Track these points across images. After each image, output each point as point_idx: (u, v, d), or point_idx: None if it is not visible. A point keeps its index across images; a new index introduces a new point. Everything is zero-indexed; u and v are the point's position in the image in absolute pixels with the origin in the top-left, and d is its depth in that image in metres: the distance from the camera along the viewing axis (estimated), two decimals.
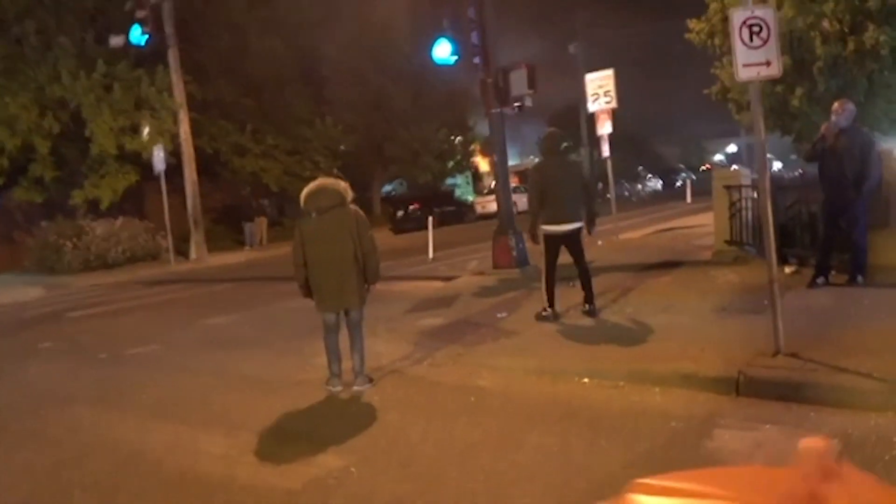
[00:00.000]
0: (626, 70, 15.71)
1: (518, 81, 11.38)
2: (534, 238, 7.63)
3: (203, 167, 23.32)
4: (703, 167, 62.28)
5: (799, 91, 11.05)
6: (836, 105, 7.48)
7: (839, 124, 7.32)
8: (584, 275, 7.61)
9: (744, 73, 5.19)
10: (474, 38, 11.28)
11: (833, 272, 7.62)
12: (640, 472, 3.69)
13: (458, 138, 36.97)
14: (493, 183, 38.88)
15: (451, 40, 11.15)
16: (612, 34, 45.05)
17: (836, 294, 7.20)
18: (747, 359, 5.21)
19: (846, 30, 10.99)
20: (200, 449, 4.83)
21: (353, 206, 5.99)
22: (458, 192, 38.16)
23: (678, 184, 42.49)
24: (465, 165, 39.40)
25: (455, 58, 11.26)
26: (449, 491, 3.80)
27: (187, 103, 22.35)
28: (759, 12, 5.15)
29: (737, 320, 6.59)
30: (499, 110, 11.67)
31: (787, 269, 8.64)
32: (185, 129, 22.13)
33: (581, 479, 3.73)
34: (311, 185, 5.92)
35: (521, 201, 35.85)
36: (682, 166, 50.87)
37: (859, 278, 7.36)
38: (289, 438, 4.97)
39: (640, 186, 40.92)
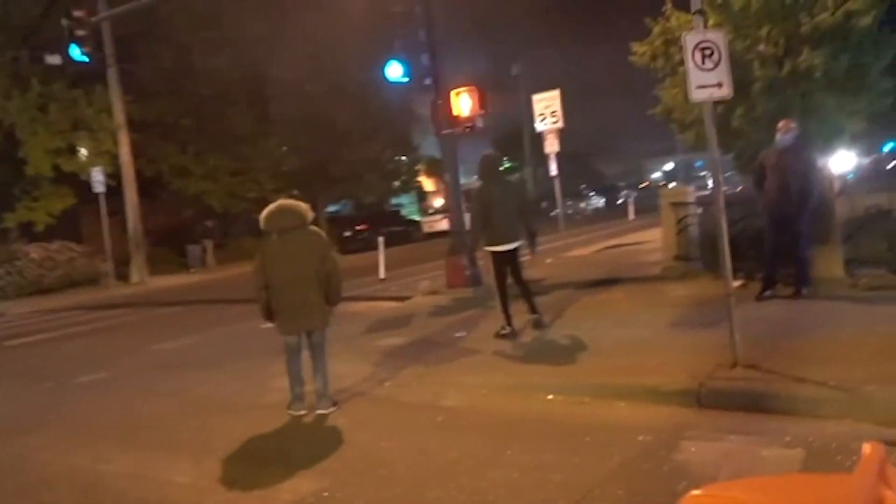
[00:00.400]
0: (569, 91, 16.05)
1: (469, 103, 11.52)
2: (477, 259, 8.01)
3: (144, 189, 22.78)
4: (642, 185, 63.95)
5: (739, 111, 11.47)
6: (781, 124, 7.82)
7: (784, 143, 7.65)
8: (524, 289, 7.90)
9: (697, 95, 5.39)
10: (425, 59, 11.38)
11: (779, 285, 7.91)
12: (617, 488, 3.80)
13: (403, 158, 37.05)
14: (440, 203, 39.30)
15: (403, 62, 11.22)
16: (555, 56, 46.11)
17: (784, 306, 7.47)
18: (707, 371, 5.36)
19: (781, 53, 11.49)
20: (165, 478, 4.69)
21: (314, 227, 5.95)
22: (403, 212, 38.19)
23: (620, 201, 43.42)
24: (411, 185, 39.49)
25: (406, 78, 11.33)
26: None
27: (128, 124, 21.84)
28: (710, 36, 5.36)
29: (692, 333, 6.77)
30: (450, 131, 11.78)
31: (736, 283, 8.92)
32: (125, 151, 21.61)
33: (562, 495, 3.76)
34: (272, 206, 5.87)
35: (467, 221, 36.05)
36: (622, 184, 52.02)
37: (804, 290, 7.66)
38: (257, 463, 4.87)
39: (583, 204, 41.63)
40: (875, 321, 6.16)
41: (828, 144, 12.50)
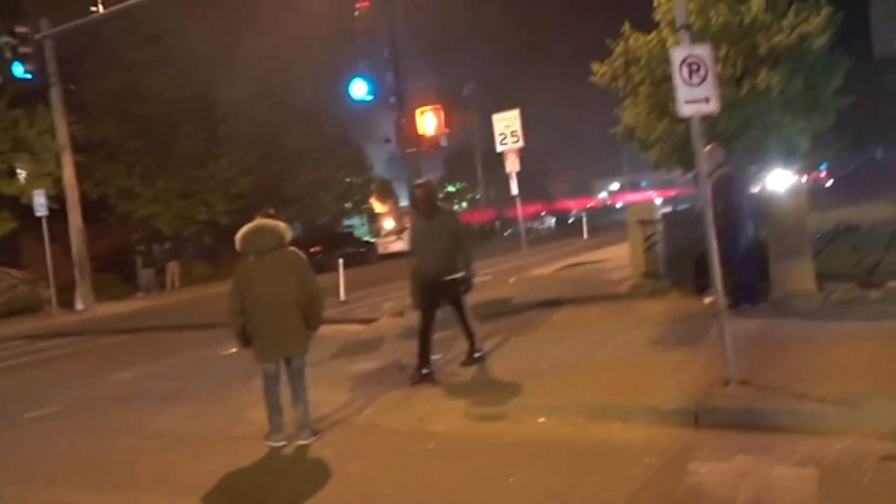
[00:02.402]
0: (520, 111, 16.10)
1: (433, 122, 11.41)
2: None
3: (89, 212, 21.94)
4: (590, 204, 64.98)
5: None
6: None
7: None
8: (464, 323, 7.31)
9: (686, 110, 5.35)
10: (389, 77, 11.23)
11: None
12: None
13: (355, 179, 36.78)
14: (391, 224, 39.08)
15: (367, 79, 11.05)
16: (503, 77, 46.62)
17: (759, 322, 7.47)
18: (702, 389, 5.26)
19: (739, 74, 11.75)
20: None
21: (292, 248, 5.69)
22: (356, 234, 37.85)
23: (571, 220, 43.93)
24: (364, 207, 39.23)
25: (371, 97, 11.16)
26: None
27: (72, 145, 21.04)
28: (697, 51, 5.33)
29: (675, 351, 6.69)
30: (414, 150, 11.63)
31: (706, 300, 8.95)
32: (69, 173, 20.77)
33: None
34: (249, 226, 5.58)
35: None
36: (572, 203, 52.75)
37: (742, 306, 7.58)
38: (241, 501, 4.55)
39: (536, 224, 41.95)
40: (856, 336, 6.19)
41: (786, 161, 12.81)
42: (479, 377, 6.80)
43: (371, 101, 11.40)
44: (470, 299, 7.27)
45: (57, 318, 19.10)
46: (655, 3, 12.52)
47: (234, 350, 7.95)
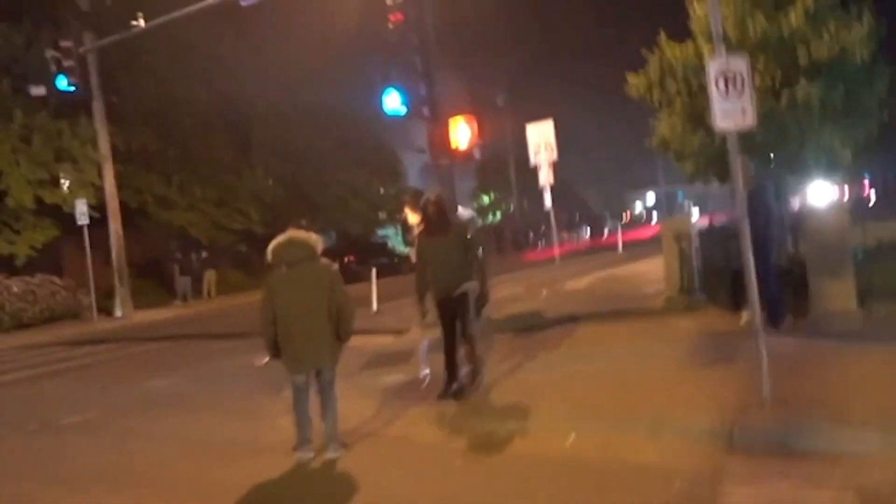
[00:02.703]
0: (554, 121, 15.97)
1: (467, 132, 11.39)
2: (421, 312, 7.05)
3: (128, 220, 22.37)
4: (625, 220, 63.96)
5: None
6: None
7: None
8: (468, 343, 6.86)
9: (722, 123, 5.24)
10: (422, 89, 11.26)
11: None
12: None
13: (389, 188, 36.94)
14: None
15: (401, 91, 11.09)
16: (539, 88, 46.52)
17: (795, 341, 7.28)
18: (737, 409, 5.13)
19: (778, 84, 11.53)
20: None
21: (324, 259, 5.70)
22: (390, 244, 37.95)
23: (606, 231, 43.53)
24: (397, 217, 39.34)
25: (405, 109, 11.19)
26: None
27: (112, 155, 21.49)
28: (734, 63, 5.23)
29: (710, 369, 6.56)
30: (447, 162, 11.62)
31: (743, 317, 8.76)
32: (109, 182, 21.21)
33: None
34: (281, 238, 5.61)
35: None
36: (607, 214, 52.29)
37: (774, 324, 7.41)
38: None
39: (568, 234, 41.61)
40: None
41: (826, 173, 12.53)
42: (508, 391, 6.72)
43: (404, 113, 11.42)
44: (484, 322, 7.06)
45: (96, 324, 19.46)
46: (691, 13, 12.37)
47: (265, 361, 8.01)
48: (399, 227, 43.63)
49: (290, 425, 5.66)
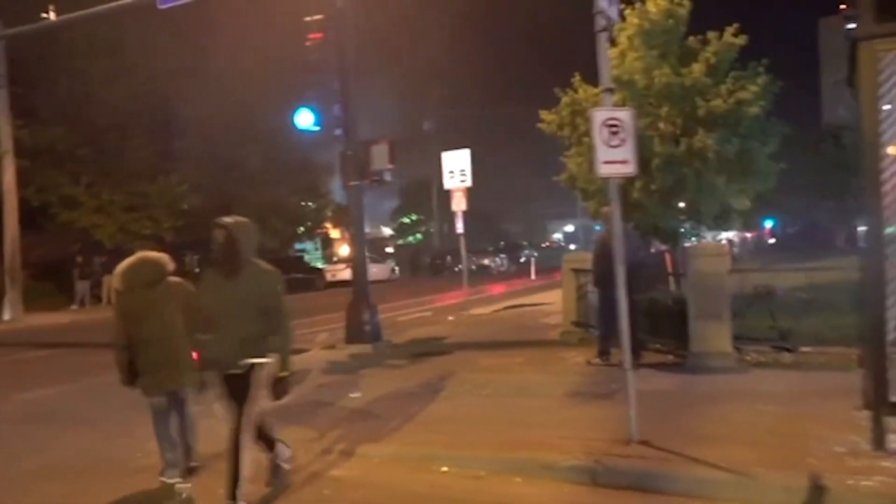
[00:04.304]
0: (478, 149, 16.32)
1: (379, 156, 11.43)
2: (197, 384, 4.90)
3: (27, 219, 21.34)
4: (545, 244, 65.79)
5: (638, 184, 11.94)
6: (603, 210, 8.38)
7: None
8: (233, 452, 4.60)
9: (603, 170, 5.46)
10: (336, 110, 11.26)
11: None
12: None
13: (310, 204, 36.58)
14: (346, 251, 38.91)
15: (314, 110, 11.06)
16: (466, 115, 47.17)
17: (673, 379, 7.63)
18: (603, 447, 5.30)
19: (678, 132, 12.11)
20: None
21: (175, 279, 5.53)
22: (307, 258, 37.50)
23: (522, 259, 44.29)
24: (316, 232, 38.95)
25: (317, 127, 11.15)
26: None
27: (16, 149, 20.53)
28: (618, 114, 5.47)
29: (589, 405, 6.76)
30: (358, 183, 11.62)
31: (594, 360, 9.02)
32: (9, 178, 20.26)
33: None
34: (129, 260, 5.45)
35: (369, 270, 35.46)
36: (525, 243, 53.19)
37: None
38: None
39: (487, 261, 42.03)
40: (764, 400, 6.33)
41: (720, 221, 13.16)
42: (393, 419, 6.72)
43: (317, 131, 11.38)
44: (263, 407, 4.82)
45: None
46: None
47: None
48: (318, 242, 43.21)
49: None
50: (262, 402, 4.73)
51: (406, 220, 51.19)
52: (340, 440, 6.21)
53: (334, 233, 43.55)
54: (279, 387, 4.66)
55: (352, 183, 11.63)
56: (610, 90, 5.57)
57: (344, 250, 40.52)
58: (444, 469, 5.38)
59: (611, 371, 7.86)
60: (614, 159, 5.43)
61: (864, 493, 4.26)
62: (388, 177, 11.74)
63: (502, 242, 47.42)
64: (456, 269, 41.28)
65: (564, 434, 5.72)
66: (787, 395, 6.53)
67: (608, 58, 5.61)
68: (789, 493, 4.39)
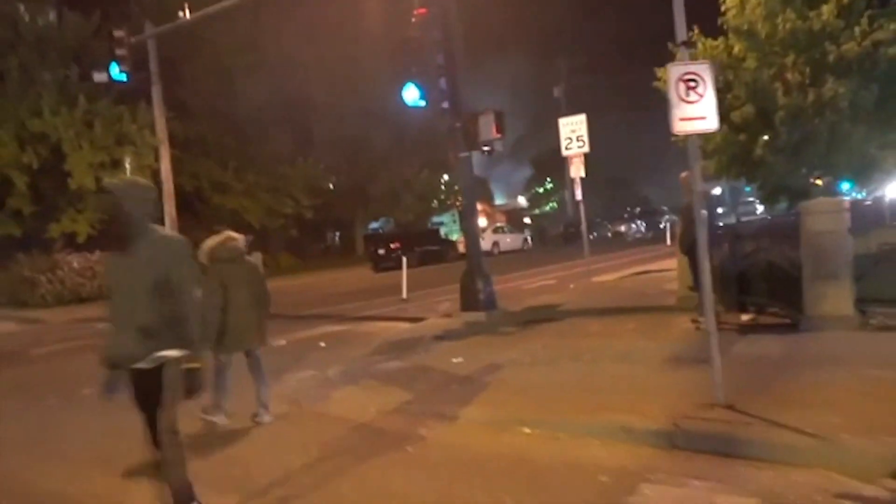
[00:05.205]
0: (612, 115, 15.96)
1: (486, 127, 11.51)
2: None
3: (183, 204, 23.35)
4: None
5: (762, 140, 11.24)
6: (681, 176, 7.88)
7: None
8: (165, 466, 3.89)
9: (680, 127, 5.27)
10: (442, 83, 11.42)
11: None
12: None
13: (444, 177, 37.29)
14: (484, 222, 39.37)
15: (418, 85, 11.30)
16: (596, 80, 45.90)
17: (782, 342, 7.24)
18: (686, 411, 5.19)
19: (807, 82, 11.21)
20: None
21: (248, 257, 6.56)
22: (444, 231, 38.31)
23: (661, 226, 42.80)
24: (451, 204, 39.65)
25: (423, 102, 11.39)
26: None
27: (170, 141, 22.46)
28: (694, 67, 5.25)
29: (685, 370, 6.57)
30: (467, 154, 11.77)
31: (745, 317, 8.70)
32: (165, 166, 22.18)
33: None
34: (216, 237, 6.41)
35: (503, 241, 35.64)
36: (665, 208, 51.24)
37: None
38: None
39: (623, 228, 41.01)
40: (870, 363, 5.90)
41: (858, 176, 12.12)
42: (485, 384, 6.90)
43: (424, 106, 11.63)
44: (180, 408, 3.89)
45: None
46: (723, 10, 12.13)
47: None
48: (455, 214, 44.01)
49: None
50: (178, 405, 3.84)
51: (540, 189, 50.80)
52: (433, 402, 6.48)
53: None
54: (189, 381, 3.74)
55: (461, 154, 11.80)
56: (687, 43, 5.35)
57: (482, 222, 41.01)
58: (526, 431, 5.49)
59: (724, 336, 7.55)
60: (692, 116, 5.23)
61: None
62: (497, 147, 11.79)
63: (638, 209, 45.95)
64: (591, 236, 40.69)
65: (654, 398, 5.65)
66: None
67: (683, 8, 5.38)
68: (875, 461, 4.13)
